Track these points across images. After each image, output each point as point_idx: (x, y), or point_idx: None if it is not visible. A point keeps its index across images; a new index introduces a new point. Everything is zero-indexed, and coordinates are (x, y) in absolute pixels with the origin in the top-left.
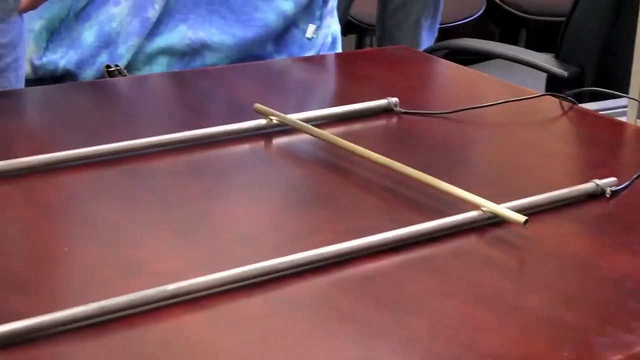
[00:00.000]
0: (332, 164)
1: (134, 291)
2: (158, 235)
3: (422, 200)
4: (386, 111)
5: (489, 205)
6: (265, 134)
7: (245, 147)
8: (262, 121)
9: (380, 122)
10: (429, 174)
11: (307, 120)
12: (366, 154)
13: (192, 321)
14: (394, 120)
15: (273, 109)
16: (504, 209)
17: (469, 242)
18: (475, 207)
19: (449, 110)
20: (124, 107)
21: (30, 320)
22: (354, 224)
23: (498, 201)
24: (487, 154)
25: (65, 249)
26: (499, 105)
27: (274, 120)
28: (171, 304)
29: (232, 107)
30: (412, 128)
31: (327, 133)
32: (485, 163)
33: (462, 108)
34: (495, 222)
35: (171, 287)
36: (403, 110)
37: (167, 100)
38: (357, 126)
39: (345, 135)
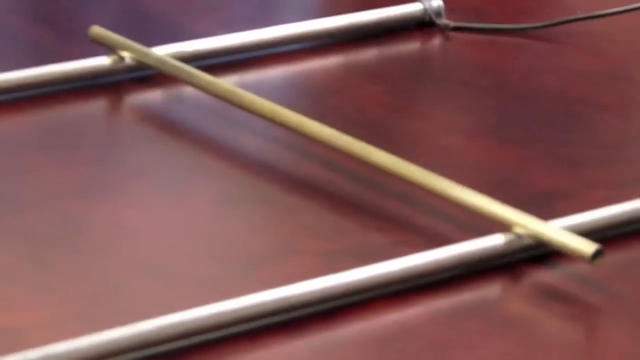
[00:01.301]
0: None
1: None
2: None
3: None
4: (421, 25)
5: (530, 224)
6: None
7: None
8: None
9: (408, 47)
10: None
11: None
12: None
13: None
14: (436, 41)
15: (203, 22)
16: (557, 231)
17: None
18: (505, 225)
19: (534, 25)
20: None
21: None
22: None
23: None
24: (605, 105)
25: None
26: (628, 13)
27: (127, 58)
28: None
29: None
30: (467, 55)
31: (232, 88)
32: (607, 124)
33: (560, 20)
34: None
35: (31, 355)
36: (453, 24)
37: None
38: (360, 56)
39: (343, 73)
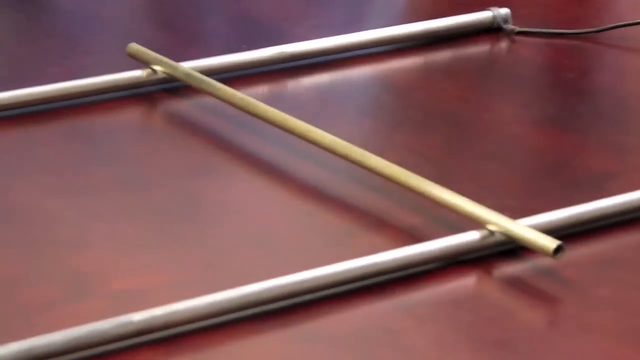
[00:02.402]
0: None
1: (78, 322)
2: (118, 234)
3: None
4: (490, 30)
5: (501, 222)
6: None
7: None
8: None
9: (478, 49)
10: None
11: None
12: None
13: None
14: (503, 44)
15: (300, 28)
16: (524, 228)
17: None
18: (479, 223)
19: (589, 30)
20: (61, 27)
21: None
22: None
23: None
24: None
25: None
26: None
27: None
28: (137, 345)
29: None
30: (530, 56)
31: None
32: None
33: (612, 26)
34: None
35: (138, 317)
36: (518, 29)
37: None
38: (437, 57)
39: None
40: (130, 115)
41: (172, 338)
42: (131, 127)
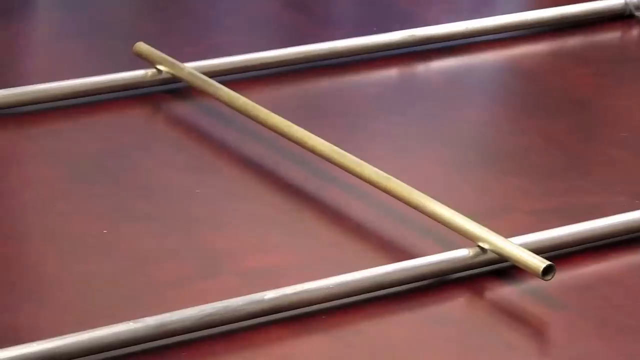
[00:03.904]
0: None
1: (210, 299)
2: (251, 214)
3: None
4: (621, 17)
5: (492, 240)
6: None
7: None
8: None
9: (609, 36)
10: None
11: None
12: None
13: (304, 351)
14: (635, 32)
15: (430, 12)
16: (514, 247)
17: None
18: (470, 240)
19: None
20: (195, 6)
21: (48, 342)
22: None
23: None
24: None
25: (105, 231)
26: None
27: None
28: (268, 323)
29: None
30: None
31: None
32: None
33: None
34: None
35: (270, 295)
36: None
37: None
38: (568, 43)
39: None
40: (273, 93)
41: (302, 317)
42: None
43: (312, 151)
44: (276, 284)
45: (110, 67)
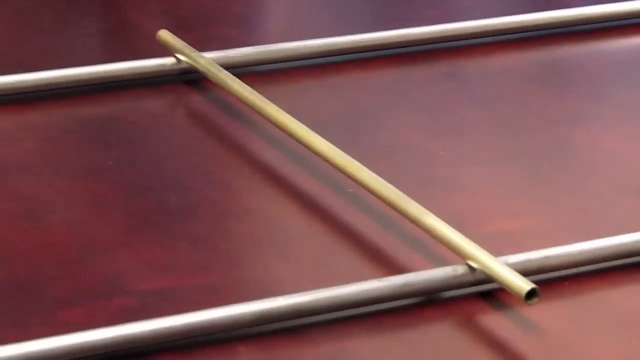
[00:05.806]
0: None
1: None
2: (493, 178)
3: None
4: None
5: (481, 258)
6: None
7: None
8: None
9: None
10: None
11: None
12: None
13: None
14: None
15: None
16: (501, 267)
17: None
18: (460, 257)
19: None
20: None
21: (294, 296)
22: None
23: None
24: None
25: (350, 190)
26: None
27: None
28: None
29: None
30: None
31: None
32: None
33: None
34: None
35: (513, 259)
36: None
37: None
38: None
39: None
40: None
41: (547, 282)
42: (504, 72)
43: (316, 153)
44: (520, 248)
45: None
